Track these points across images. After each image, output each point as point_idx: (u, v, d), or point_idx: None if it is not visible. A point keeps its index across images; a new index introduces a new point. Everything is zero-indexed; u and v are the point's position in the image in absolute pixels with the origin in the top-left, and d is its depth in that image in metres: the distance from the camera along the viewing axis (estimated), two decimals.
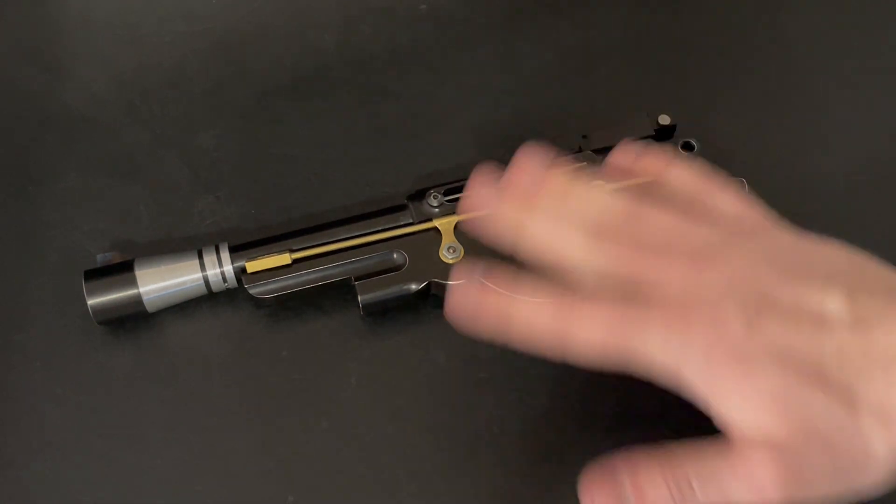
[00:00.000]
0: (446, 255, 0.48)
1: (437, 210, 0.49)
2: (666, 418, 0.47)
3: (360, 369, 0.48)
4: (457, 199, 0.49)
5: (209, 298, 0.49)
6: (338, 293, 0.49)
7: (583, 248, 0.38)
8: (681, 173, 0.42)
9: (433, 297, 0.49)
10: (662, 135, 0.51)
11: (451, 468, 0.46)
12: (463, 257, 0.48)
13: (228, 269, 0.48)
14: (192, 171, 0.55)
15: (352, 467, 0.46)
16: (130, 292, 0.47)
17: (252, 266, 0.48)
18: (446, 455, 0.46)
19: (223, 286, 0.48)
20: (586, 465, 0.45)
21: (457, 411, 0.47)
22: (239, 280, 0.48)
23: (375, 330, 0.49)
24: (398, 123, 0.57)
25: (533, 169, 0.40)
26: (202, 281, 0.48)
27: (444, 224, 0.49)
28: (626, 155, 0.44)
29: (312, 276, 0.48)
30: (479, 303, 0.39)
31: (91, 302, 0.47)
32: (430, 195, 0.49)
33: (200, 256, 0.48)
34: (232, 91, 0.58)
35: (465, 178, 0.50)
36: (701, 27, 0.62)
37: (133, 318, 0.48)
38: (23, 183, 0.54)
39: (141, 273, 0.47)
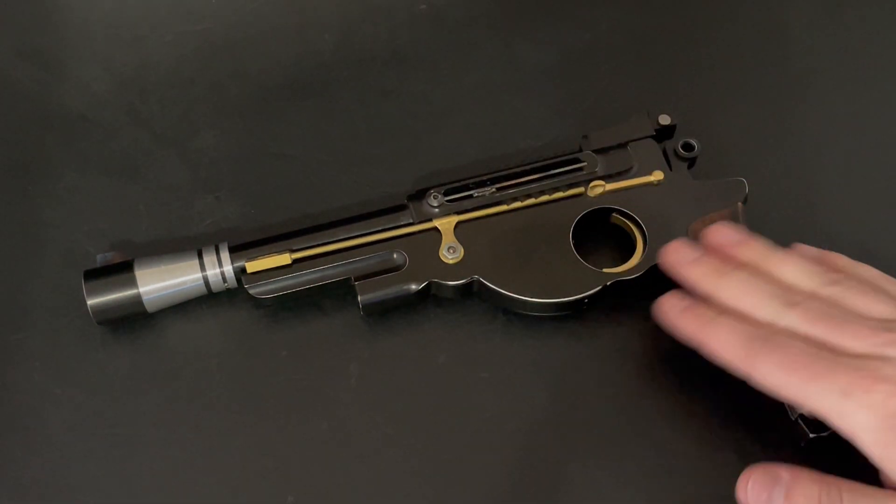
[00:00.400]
0: (446, 256, 0.48)
1: (437, 210, 0.49)
2: (664, 418, 0.47)
3: (360, 369, 0.48)
4: (457, 200, 0.49)
5: (209, 298, 0.49)
6: (338, 293, 0.49)
7: (772, 308, 0.42)
8: (868, 269, 0.45)
9: (433, 297, 0.49)
10: (662, 135, 0.51)
11: (452, 468, 0.46)
12: (464, 257, 0.48)
13: (228, 269, 0.48)
14: (192, 171, 0.55)
15: (352, 467, 0.46)
16: (130, 292, 0.47)
17: (252, 266, 0.48)
18: (446, 456, 0.46)
19: (223, 286, 0.48)
20: (585, 465, 0.45)
21: (457, 411, 0.47)
22: (239, 280, 0.48)
23: (375, 330, 0.49)
24: (398, 123, 0.57)
25: (733, 233, 0.46)
26: (202, 281, 0.48)
27: (444, 224, 0.49)
28: (810, 251, 0.46)
29: (312, 276, 0.48)
30: (685, 312, 0.44)
31: (91, 302, 0.47)
32: (430, 195, 0.49)
33: (200, 256, 0.48)
34: (232, 91, 0.58)
35: (466, 178, 0.50)
36: (701, 27, 0.62)
37: (133, 318, 0.48)
38: (23, 183, 0.54)
39: (141, 273, 0.47)
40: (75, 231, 0.52)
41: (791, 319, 0.41)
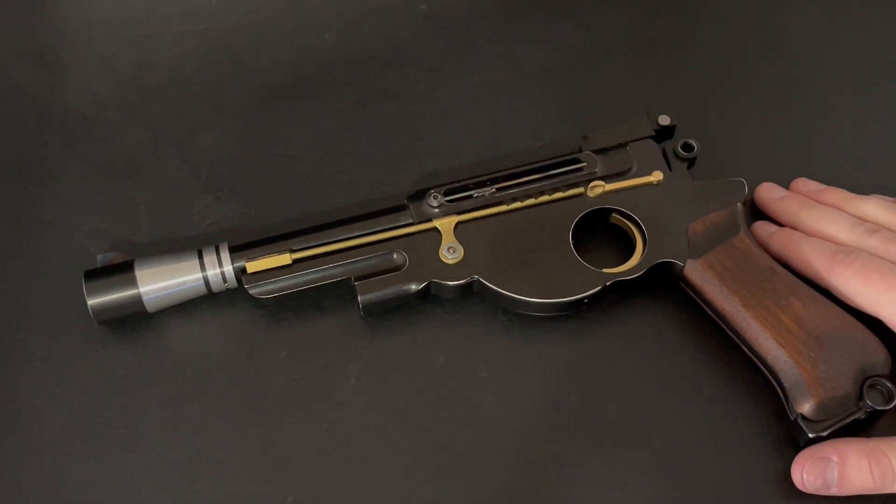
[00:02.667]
0: (446, 256, 0.48)
1: (436, 210, 0.49)
2: (664, 417, 0.47)
3: (360, 369, 0.48)
4: (457, 200, 0.49)
5: (209, 298, 0.49)
6: (338, 293, 0.49)
7: (852, 233, 0.47)
8: None
9: (433, 297, 0.49)
10: (662, 135, 0.51)
11: (452, 468, 0.46)
12: (464, 257, 0.48)
13: (228, 269, 0.48)
14: (192, 171, 0.55)
15: (352, 467, 0.46)
16: (130, 292, 0.47)
17: (252, 266, 0.48)
18: (446, 455, 0.46)
19: (223, 286, 0.48)
20: (584, 464, 0.45)
21: (457, 411, 0.47)
22: (239, 280, 0.48)
23: (375, 330, 0.49)
24: (398, 123, 0.57)
25: (816, 183, 0.52)
26: (202, 281, 0.48)
27: (444, 224, 0.49)
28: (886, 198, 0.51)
29: (312, 277, 0.48)
30: (774, 234, 0.49)
31: (91, 302, 0.47)
32: (430, 195, 0.49)
33: (200, 257, 0.48)
34: (232, 91, 0.58)
35: (466, 178, 0.50)
36: (701, 28, 0.62)
37: (133, 318, 0.48)
38: (23, 183, 0.54)
39: (141, 273, 0.47)
40: (75, 231, 0.52)
41: (870, 244, 0.46)
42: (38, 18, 0.62)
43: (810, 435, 0.43)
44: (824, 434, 0.43)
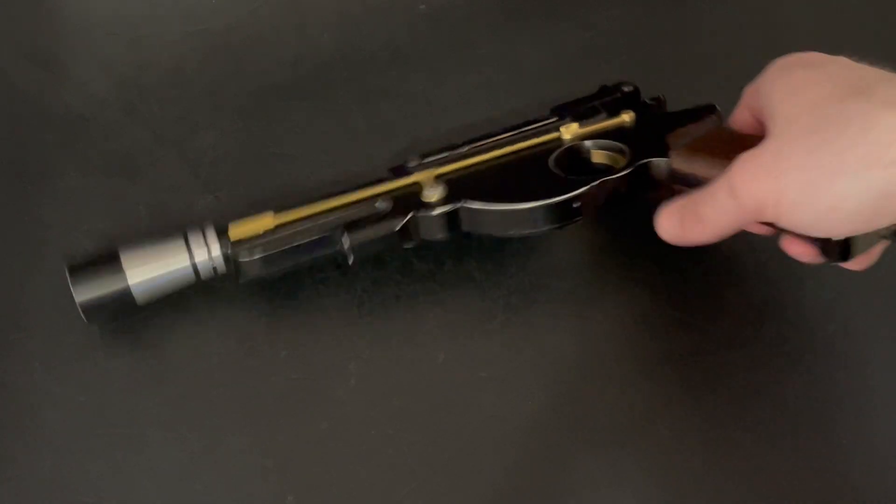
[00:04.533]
0: (429, 195, 0.47)
1: (416, 170, 0.49)
2: (662, 416, 0.47)
3: (360, 369, 0.48)
4: (435, 161, 0.49)
5: (208, 298, 0.49)
6: (337, 293, 0.49)
7: None
8: None
9: (424, 259, 0.49)
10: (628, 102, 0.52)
11: (451, 468, 0.46)
12: (447, 194, 0.47)
13: (215, 247, 0.47)
14: (192, 171, 0.55)
15: (352, 467, 0.46)
16: (119, 287, 0.46)
17: (235, 232, 0.47)
18: (446, 455, 0.46)
19: (210, 266, 0.47)
20: (585, 464, 0.45)
21: (457, 411, 0.47)
22: (226, 259, 0.47)
23: (375, 329, 0.49)
24: (398, 123, 0.57)
25: None
26: (190, 267, 0.47)
27: (424, 176, 0.49)
28: None
29: (298, 231, 0.47)
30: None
31: (80, 300, 0.46)
32: (408, 161, 0.50)
33: (187, 241, 0.47)
34: (232, 91, 0.58)
35: (442, 146, 0.50)
36: (700, 28, 0.62)
37: (122, 307, 0.47)
38: (23, 183, 0.54)
39: (127, 259, 0.46)
40: (75, 231, 0.52)
41: None
42: (38, 18, 0.62)
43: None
44: None
